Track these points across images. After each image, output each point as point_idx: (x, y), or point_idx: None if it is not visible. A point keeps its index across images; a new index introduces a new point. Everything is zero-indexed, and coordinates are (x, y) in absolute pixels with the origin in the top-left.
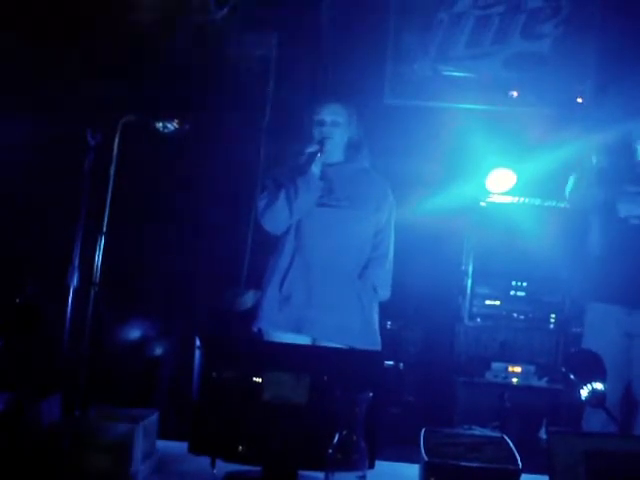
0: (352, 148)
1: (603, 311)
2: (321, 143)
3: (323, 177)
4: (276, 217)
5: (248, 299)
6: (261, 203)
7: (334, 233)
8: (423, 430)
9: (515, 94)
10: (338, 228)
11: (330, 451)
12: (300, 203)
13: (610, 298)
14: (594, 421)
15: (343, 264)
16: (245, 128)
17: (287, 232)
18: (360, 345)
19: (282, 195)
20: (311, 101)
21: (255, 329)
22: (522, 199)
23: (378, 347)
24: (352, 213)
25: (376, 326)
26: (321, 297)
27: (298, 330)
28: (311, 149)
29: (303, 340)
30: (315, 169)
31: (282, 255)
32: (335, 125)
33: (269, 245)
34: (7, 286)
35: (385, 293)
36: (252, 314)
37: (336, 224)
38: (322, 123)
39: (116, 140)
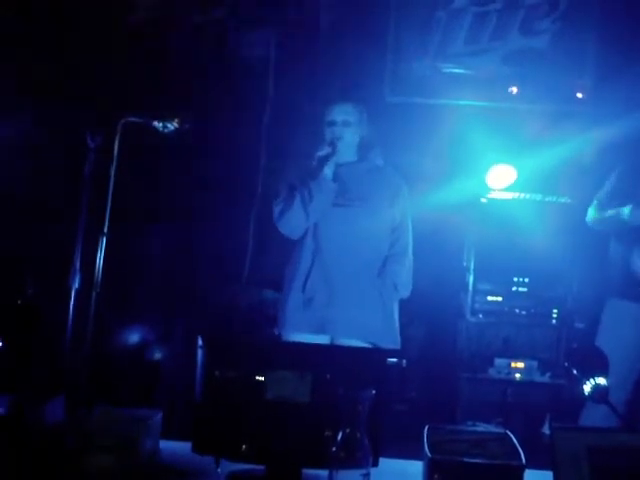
0: (364, 147)
1: (621, 307)
2: (332, 145)
3: (337, 177)
4: (293, 221)
5: (251, 296)
6: (277, 209)
7: (350, 232)
8: (426, 427)
9: (514, 90)
10: (354, 227)
11: (333, 449)
12: (315, 206)
13: (629, 294)
14: (594, 416)
15: (362, 263)
16: (245, 127)
17: (305, 234)
18: (382, 343)
19: (297, 199)
20: (310, 100)
21: (276, 332)
22: (523, 195)
23: (398, 345)
24: (366, 212)
25: (397, 323)
26: (342, 296)
27: (320, 330)
28: (322, 152)
29: (323, 340)
30: (328, 171)
31: (301, 258)
32: (346, 125)
33: (271, 242)
34: (8, 287)
35: (406, 291)
36: (270, 316)
37: (352, 223)
38: (333, 123)
39: (116, 141)
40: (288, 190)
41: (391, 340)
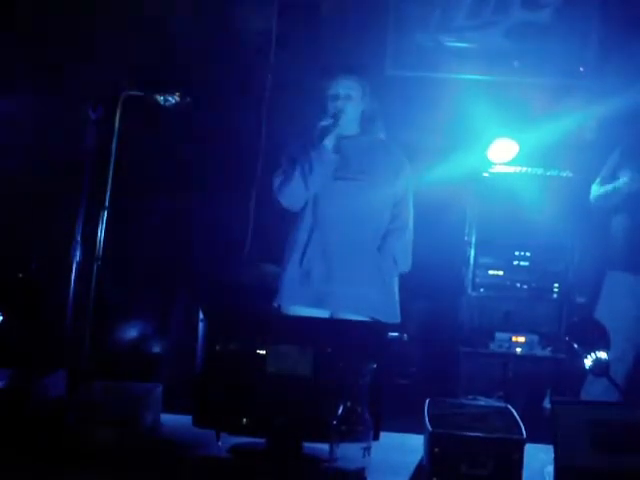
0: (366, 120)
1: (621, 280)
2: (335, 117)
3: (338, 150)
4: (292, 193)
5: (252, 270)
6: (277, 180)
7: (351, 206)
8: (427, 400)
9: (516, 64)
10: (355, 201)
11: (335, 423)
12: (315, 177)
13: (629, 267)
14: (595, 390)
15: (361, 237)
16: (246, 100)
17: (304, 207)
18: (381, 317)
19: (297, 170)
20: (311, 72)
21: (275, 305)
22: (524, 169)
23: (398, 319)
24: (368, 185)
25: (396, 298)
26: (341, 271)
27: (319, 305)
28: (325, 122)
29: (322, 314)
30: (328, 143)
31: (300, 230)
32: (348, 99)
33: (273, 216)
34: (10, 261)
35: (405, 265)
36: (271, 290)
37: (353, 197)
38: (336, 97)
39: (117, 114)
40: (289, 161)
41: (391, 314)
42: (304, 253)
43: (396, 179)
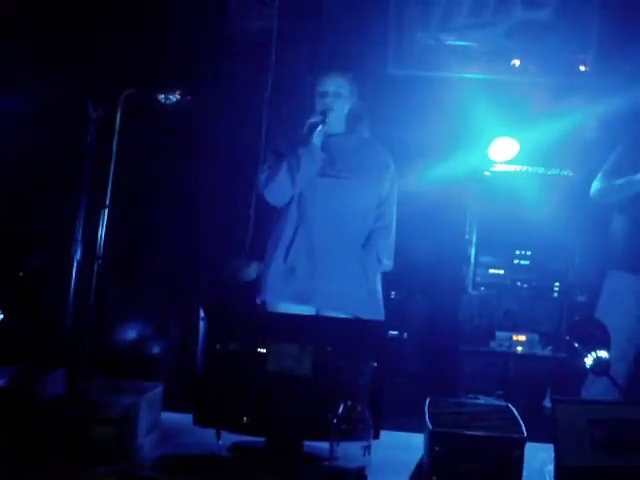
0: (353, 119)
1: (621, 279)
2: (323, 114)
3: (325, 148)
4: (278, 189)
5: (252, 270)
6: (263, 175)
7: (336, 204)
8: (428, 399)
9: (517, 63)
10: (340, 198)
11: (335, 421)
12: (302, 174)
13: (630, 266)
14: (595, 389)
15: (346, 234)
16: (247, 99)
17: (289, 204)
18: (364, 315)
19: (284, 167)
20: (312, 71)
21: (259, 301)
22: (525, 168)
23: (382, 317)
24: (354, 183)
25: (380, 296)
26: (325, 268)
27: (303, 301)
28: (313, 120)
29: (308, 311)
30: (316, 140)
31: (285, 227)
32: (337, 96)
33: (272, 216)
34: (10, 260)
35: (388, 263)
36: (256, 286)
37: (338, 195)
38: (324, 94)
39: (118, 112)
40: (275, 157)
41: (374, 312)
42: (289, 250)
43: (381, 178)
